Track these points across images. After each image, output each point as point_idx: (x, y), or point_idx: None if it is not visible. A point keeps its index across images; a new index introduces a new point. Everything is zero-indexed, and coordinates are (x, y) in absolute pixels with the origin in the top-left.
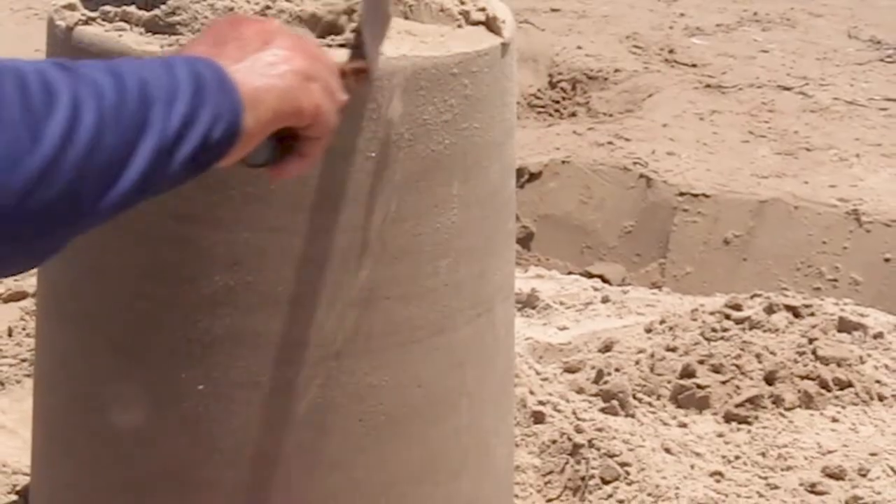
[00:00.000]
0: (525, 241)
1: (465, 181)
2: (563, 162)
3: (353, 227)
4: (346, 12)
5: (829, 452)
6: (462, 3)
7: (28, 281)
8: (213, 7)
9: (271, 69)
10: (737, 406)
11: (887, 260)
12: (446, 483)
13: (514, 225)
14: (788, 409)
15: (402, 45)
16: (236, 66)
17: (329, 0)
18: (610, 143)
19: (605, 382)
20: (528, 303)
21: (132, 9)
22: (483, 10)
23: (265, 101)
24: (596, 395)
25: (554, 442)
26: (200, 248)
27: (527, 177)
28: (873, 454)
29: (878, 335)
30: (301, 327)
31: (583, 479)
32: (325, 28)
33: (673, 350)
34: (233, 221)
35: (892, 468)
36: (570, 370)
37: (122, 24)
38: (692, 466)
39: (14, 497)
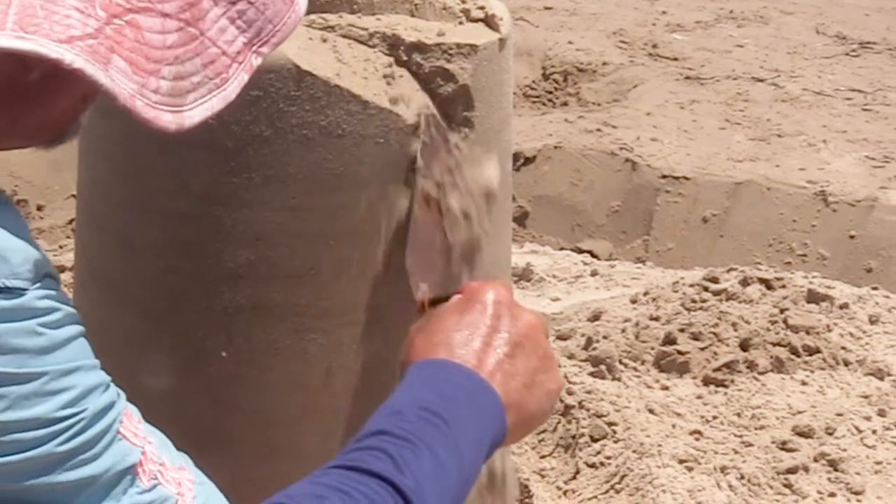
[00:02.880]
0: (521, 219)
1: None
2: (556, 147)
3: (365, 206)
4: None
5: (799, 413)
6: (463, 2)
7: (66, 256)
8: None
9: (527, 386)
10: (714, 370)
11: (852, 237)
12: None
13: (511, 205)
14: (762, 374)
15: (407, 40)
16: (499, 381)
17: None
18: (598, 130)
19: (594, 349)
20: (524, 276)
21: None
22: (482, 8)
23: (522, 417)
24: (585, 360)
25: None
26: (224, 225)
27: (522, 161)
28: (839, 414)
29: (844, 306)
30: (316, 298)
31: (573, 437)
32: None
33: (656, 319)
34: (254, 201)
35: (856, 427)
36: (561, 337)
37: None
38: (673, 426)
39: None
